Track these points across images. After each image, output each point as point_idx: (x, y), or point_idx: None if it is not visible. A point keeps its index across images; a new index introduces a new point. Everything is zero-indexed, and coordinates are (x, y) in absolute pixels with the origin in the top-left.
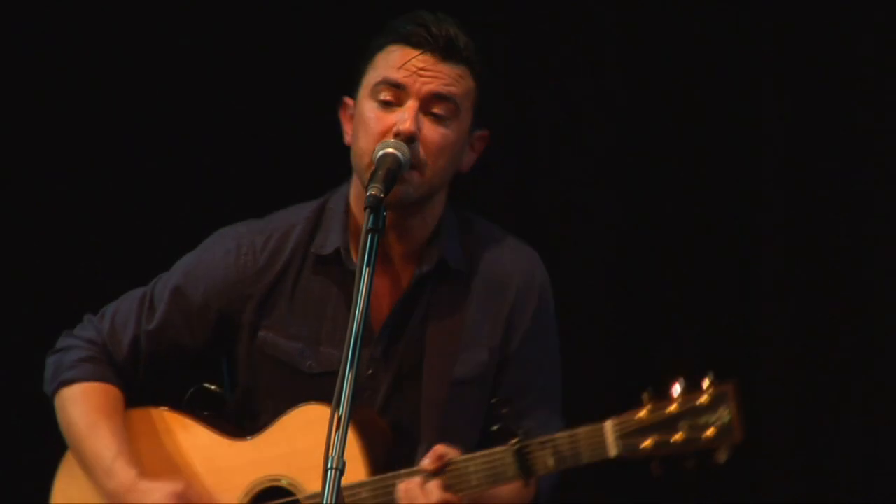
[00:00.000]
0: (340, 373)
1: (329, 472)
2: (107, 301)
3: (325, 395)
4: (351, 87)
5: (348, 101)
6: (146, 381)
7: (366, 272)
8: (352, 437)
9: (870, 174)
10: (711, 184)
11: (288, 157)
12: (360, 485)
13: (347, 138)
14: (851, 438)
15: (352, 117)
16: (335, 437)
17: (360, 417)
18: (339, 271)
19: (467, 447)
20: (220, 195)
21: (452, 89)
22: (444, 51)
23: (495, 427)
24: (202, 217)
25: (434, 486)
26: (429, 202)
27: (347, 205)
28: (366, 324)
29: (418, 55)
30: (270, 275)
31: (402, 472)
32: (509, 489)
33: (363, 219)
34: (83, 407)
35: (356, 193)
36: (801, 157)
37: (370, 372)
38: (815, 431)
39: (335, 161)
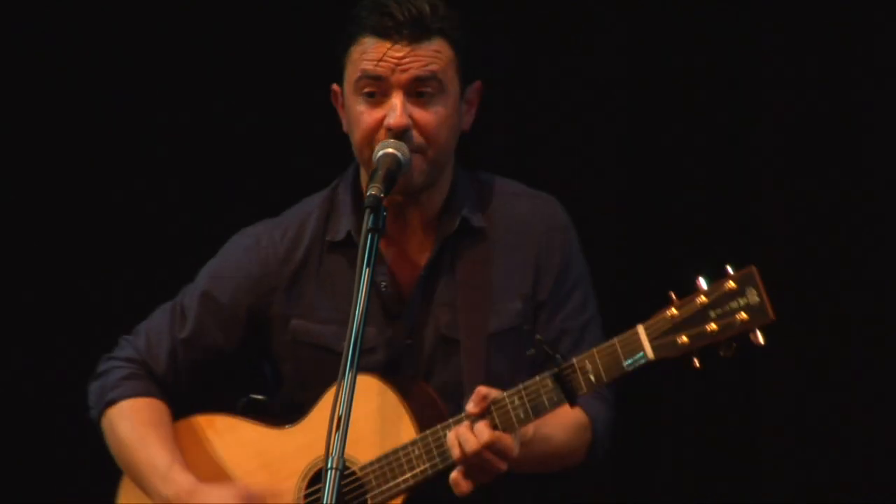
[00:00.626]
0: (340, 373)
1: (329, 472)
2: (139, 318)
3: (363, 370)
4: (336, 74)
5: (336, 88)
6: (188, 391)
7: (366, 272)
8: (396, 401)
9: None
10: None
11: (288, 152)
12: (412, 443)
13: (345, 126)
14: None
15: (343, 105)
16: (335, 437)
17: (403, 385)
18: (356, 253)
19: None
20: (228, 202)
21: (432, 67)
22: (414, 34)
23: (530, 352)
24: (214, 227)
25: (483, 427)
26: (441, 173)
27: (356, 188)
28: (396, 296)
29: (391, 47)
30: (293, 264)
31: (450, 421)
32: (564, 433)
33: None
34: (131, 422)
35: (365, 177)
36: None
37: (408, 342)
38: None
39: (337, 149)
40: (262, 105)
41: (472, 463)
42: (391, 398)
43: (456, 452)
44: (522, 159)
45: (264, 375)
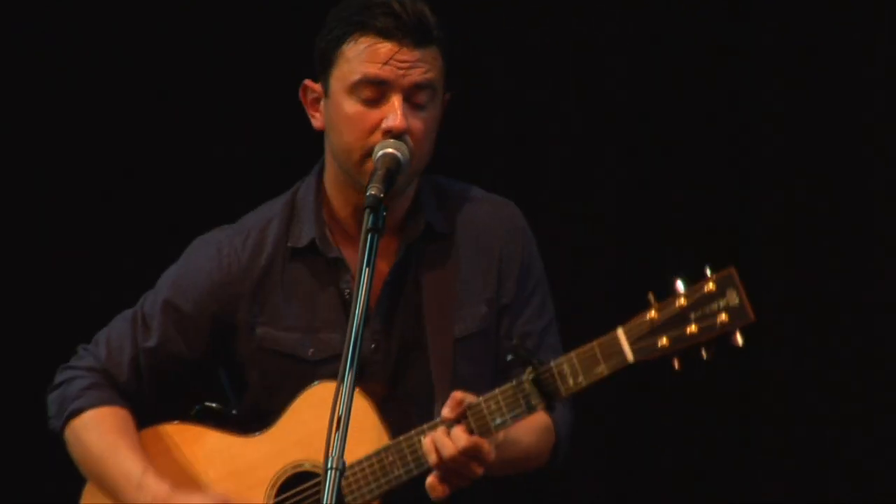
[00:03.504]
0: (340, 373)
1: (329, 472)
2: (94, 329)
3: (331, 377)
4: (309, 69)
5: (310, 84)
6: (152, 401)
7: (366, 272)
8: (367, 407)
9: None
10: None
11: (252, 152)
12: (385, 449)
13: (316, 123)
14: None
15: (316, 101)
16: (335, 437)
17: (371, 391)
18: (320, 260)
19: None
20: (190, 205)
21: (430, 75)
22: (417, 36)
23: (509, 357)
24: (176, 229)
25: (460, 432)
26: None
27: (319, 192)
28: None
29: (398, 49)
30: (256, 271)
31: (425, 426)
32: (530, 436)
33: (340, 202)
34: (97, 431)
35: (334, 179)
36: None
37: (373, 346)
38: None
39: (300, 150)
40: (227, 106)
41: (449, 468)
42: (362, 404)
43: (433, 458)
44: (514, 160)
45: (219, 383)
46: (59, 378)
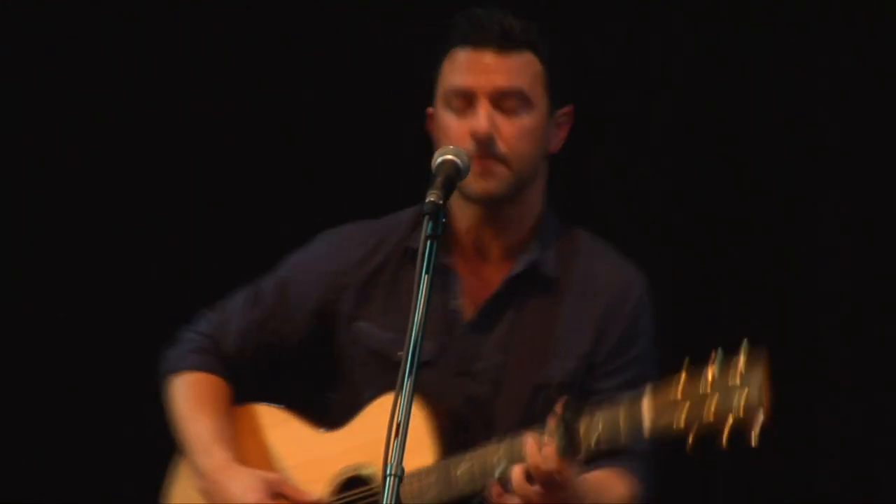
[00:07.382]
0: (399, 379)
1: (388, 478)
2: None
3: (415, 385)
4: (431, 97)
5: (431, 111)
6: (251, 377)
7: (424, 279)
8: (423, 424)
9: None
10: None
11: (393, 170)
12: (426, 471)
13: (436, 147)
14: None
15: (436, 125)
16: (394, 443)
17: (437, 411)
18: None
19: None
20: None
21: (517, 81)
22: (501, 41)
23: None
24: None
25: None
26: (524, 192)
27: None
28: (454, 320)
29: (478, 54)
30: (369, 266)
31: (467, 453)
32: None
33: (457, 215)
34: (187, 393)
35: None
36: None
37: (455, 371)
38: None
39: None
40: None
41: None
42: (419, 419)
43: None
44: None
45: (314, 373)
46: (178, 337)
